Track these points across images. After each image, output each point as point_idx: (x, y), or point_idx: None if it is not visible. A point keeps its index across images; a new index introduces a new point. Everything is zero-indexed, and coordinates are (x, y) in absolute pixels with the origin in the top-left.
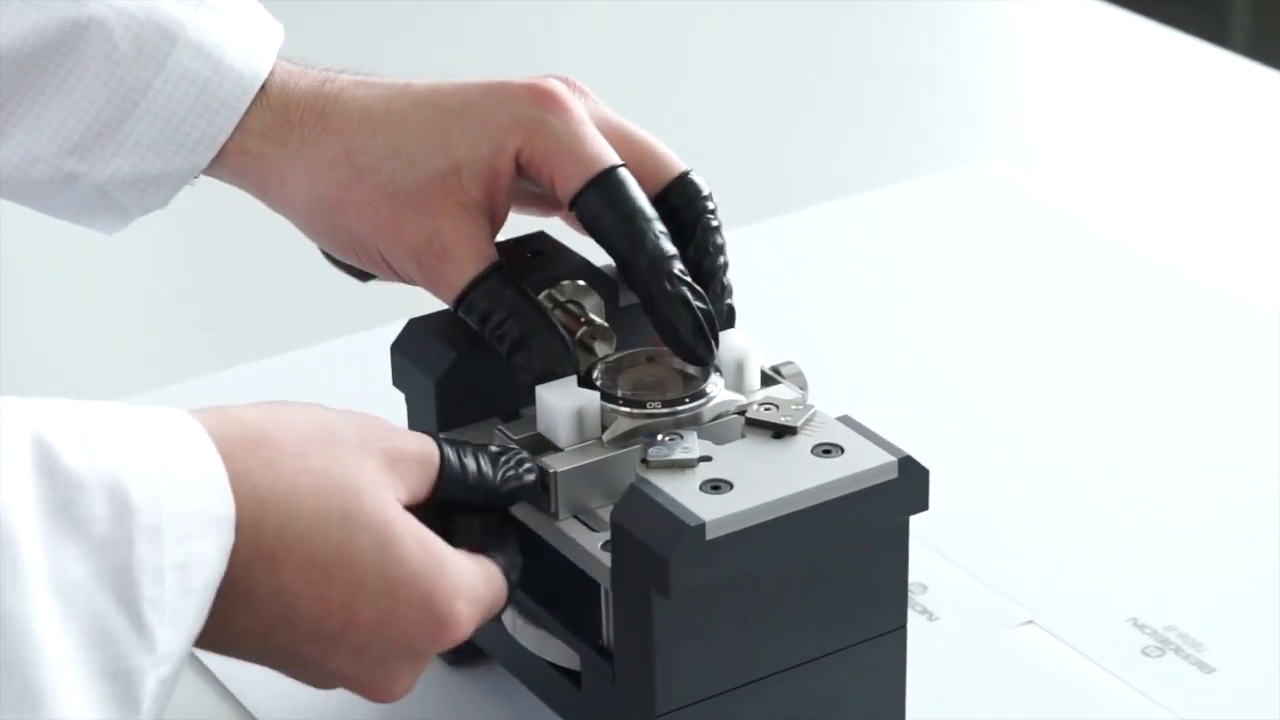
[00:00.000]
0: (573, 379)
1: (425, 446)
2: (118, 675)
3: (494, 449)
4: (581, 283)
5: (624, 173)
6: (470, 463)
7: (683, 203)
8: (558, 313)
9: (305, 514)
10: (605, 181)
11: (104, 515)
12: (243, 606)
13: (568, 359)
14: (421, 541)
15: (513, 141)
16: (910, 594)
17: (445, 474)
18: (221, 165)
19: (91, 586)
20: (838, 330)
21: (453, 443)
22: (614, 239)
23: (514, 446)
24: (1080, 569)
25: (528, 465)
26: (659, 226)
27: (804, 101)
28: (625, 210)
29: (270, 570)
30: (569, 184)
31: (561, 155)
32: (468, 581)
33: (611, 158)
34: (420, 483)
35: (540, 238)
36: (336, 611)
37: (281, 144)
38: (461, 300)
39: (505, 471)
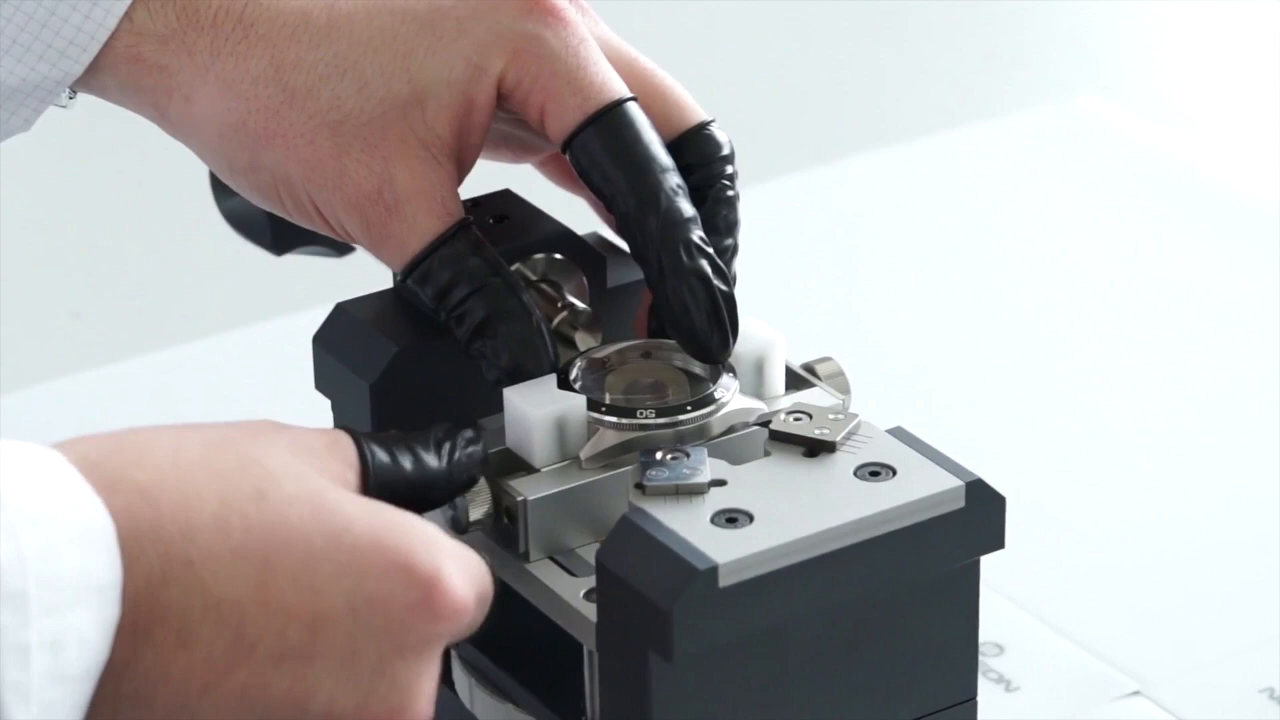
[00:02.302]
0: (550, 379)
1: (332, 435)
2: None
3: (436, 434)
4: (559, 256)
5: (634, 109)
6: (405, 460)
7: (696, 161)
8: (530, 294)
9: (209, 501)
10: (611, 118)
11: None
12: (176, 643)
13: (545, 352)
14: (368, 504)
15: (495, 63)
16: (982, 657)
17: (372, 470)
18: (107, 75)
19: None
20: (888, 316)
21: (371, 435)
22: (618, 192)
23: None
24: (1199, 626)
25: (473, 445)
26: (676, 180)
27: (864, 30)
28: (635, 156)
29: (192, 576)
30: (565, 118)
31: (557, 81)
32: (448, 542)
33: (619, 89)
34: (343, 472)
35: (505, 198)
36: (295, 610)
37: (188, 52)
38: (414, 267)
39: (456, 456)
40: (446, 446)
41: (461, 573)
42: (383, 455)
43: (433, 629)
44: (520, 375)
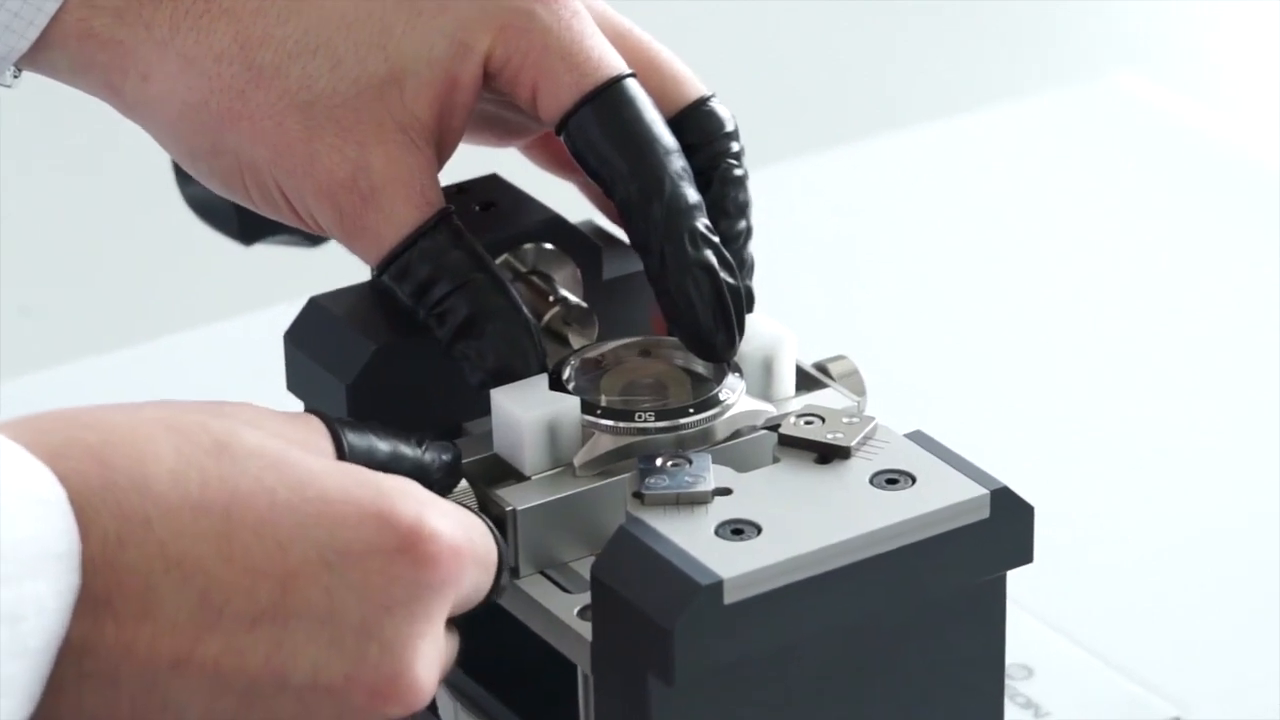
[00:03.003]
0: (542, 380)
1: (301, 415)
2: None
3: (394, 430)
4: (550, 246)
5: (634, 85)
6: (379, 442)
7: (699, 140)
8: (519, 287)
9: (165, 456)
10: (610, 96)
11: None
12: (139, 610)
13: (533, 353)
14: (337, 463)
15: (481, 40)
16: (1009, 680)
17: (347, 448)
18: (57, 52)
19: None
20: (906, 312)
21: (342, 420)
22: (618, 176)
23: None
24: (1243, 647)
25: (445, 443)
26: (681, 163)
27: (883, 4)
28: (637, 137)
29: (149, 535)
30: (560, 97)
31: (550, 58)
32: (430, 497)
33: (618, 64)
34: (315, 443)
35: (492, 183)
36: (263, 566)
37: (145, 25)
38: (391, 261)
39: (426, 450)
40: (415, 437)
41: (449, 521)
42: (355, 436)
43: (420, 578)
44: (506, 377)
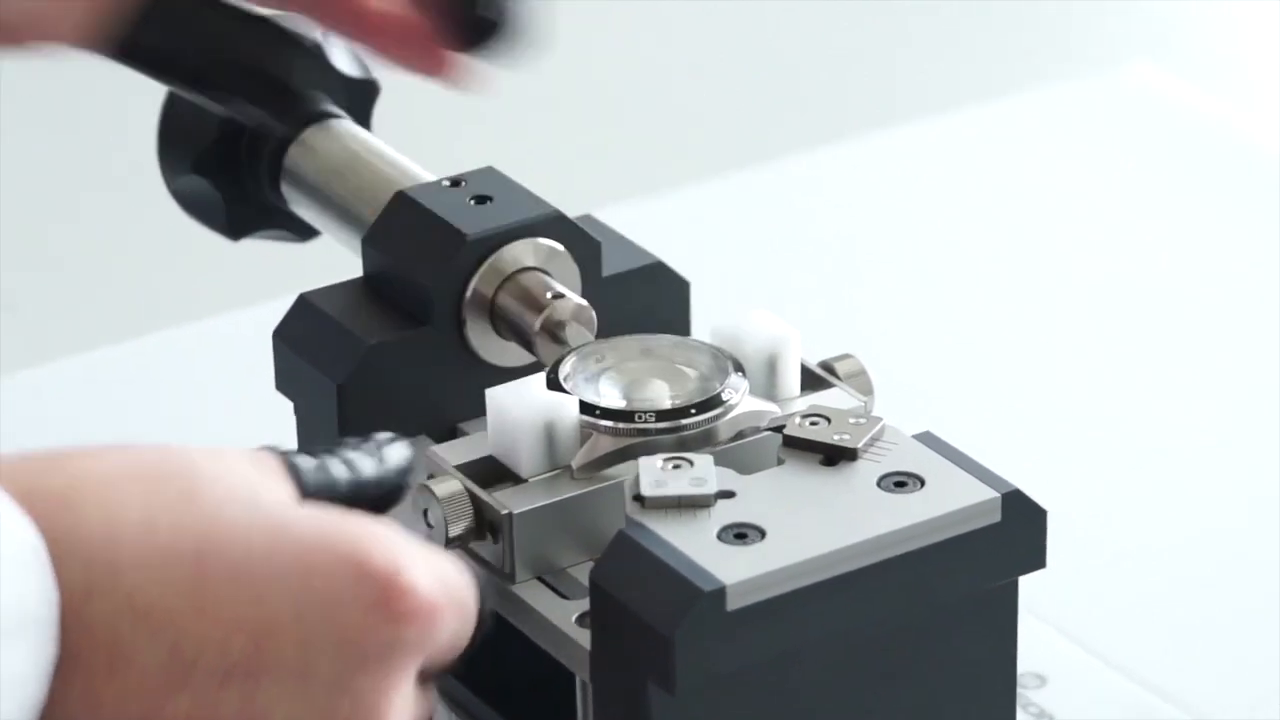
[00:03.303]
0: (539, 379)
1: (259, 453)
2: None
3: (351, 442)
4: (548, 242)
5: None
6: (338, 468)
7: None
8: (512, 286)
9: (133, 503)
10: None
11: None
12: (106, 666)
13: (312, 56)
14: (311, 507)
15: None
16: (1021, 689)
17: (303, 484)
18: None
19: None
20: (914, 309)
21: (293, 451)
22: None
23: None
24: (1263, 656)
25: (396, 444)
26: None
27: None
28: None
29: (117, 585)
30: None
31: None
32: (411, 541)
33: None
34: (276, 485)
35: (488, 176)
36: (237, 618)
37: None
38: (121, 40)
39: (385, 454)
40: (371, 443)
41: (427, 570)
42: (312, 469)
43: (394, 634)
44: (286, 98)
